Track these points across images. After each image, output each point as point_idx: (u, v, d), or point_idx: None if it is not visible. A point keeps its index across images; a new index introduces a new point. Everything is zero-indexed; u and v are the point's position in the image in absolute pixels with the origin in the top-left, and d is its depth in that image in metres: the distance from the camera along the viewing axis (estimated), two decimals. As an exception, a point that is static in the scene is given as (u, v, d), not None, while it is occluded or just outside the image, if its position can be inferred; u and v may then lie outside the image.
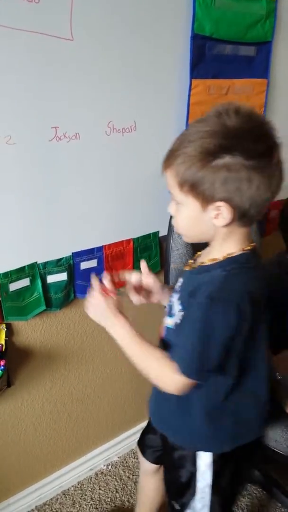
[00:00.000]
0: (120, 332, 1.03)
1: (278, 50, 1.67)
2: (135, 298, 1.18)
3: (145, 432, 1.42)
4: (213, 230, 0.94)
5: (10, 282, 1.31)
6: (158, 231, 1.60)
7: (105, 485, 1.82)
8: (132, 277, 1.17)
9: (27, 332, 1.45)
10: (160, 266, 1.66)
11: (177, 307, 1.03)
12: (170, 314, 1.07)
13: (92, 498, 1.77)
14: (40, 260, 1.35)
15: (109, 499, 1.76)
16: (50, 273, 1.38)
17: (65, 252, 1.40)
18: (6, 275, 1.29)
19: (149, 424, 1.40)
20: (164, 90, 1.44)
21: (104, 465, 1.90)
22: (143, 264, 1.19)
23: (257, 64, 1.62)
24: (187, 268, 1.05)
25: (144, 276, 1.18)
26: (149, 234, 1.58)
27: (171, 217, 1.07)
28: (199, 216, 0.92)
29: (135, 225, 1.54)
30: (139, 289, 1.18)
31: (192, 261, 1.07)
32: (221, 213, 0.89)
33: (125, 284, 1.17)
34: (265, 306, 0.98)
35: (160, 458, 1.36)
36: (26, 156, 1.21)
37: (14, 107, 1.15)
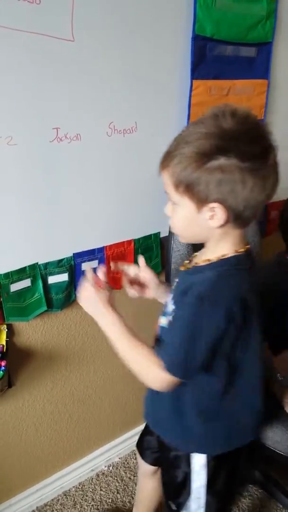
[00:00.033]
0: (110, 325, 1.04)
1: (278, 51, 1.67)
2: (131, 291, 1.19)
3: (143, 434, 1.42)
4: (208, 231, 0.94)
5: (11, 283, 1.31)
6: (159, 232, 1.60)
7: (106, 486, 1.82)
8: (130, 269, 1.19)
9: (28, 332, 1.45)
10: (161, 267, 1.66)
11: (170, 307, 1.04)
12: (164, 313, 1.08)
13: (93, 499, 1.77)
14: (41, 260, 1.35)
15: (110, 500, 1.76)
16: (51, 273, 1.38)
17: (66, 252, 1.40)
18: (7, 275, 1.29)
19: (147, 426, 1.40)
20: (165, 91, 1.44)
21: (105, 466, 1.90)
22: (141, 259, 1.20)
23: (258, 65, 1.62)
24: (182, 268, 1.06)
25: (142, 270, 1.19)
26: (150, 235, 1.58)
27: (171, 217, 1.08)
28: (194, 217, 0.92)
29: (136, 226, 1.54)
30: (135, 282, 1.20)
31: (187, 261, 1.08)
32: (216, 214, 0.89)
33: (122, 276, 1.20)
34: (259, 309, 0.98)
35: (158, 460, 1.36)
36: (27, 157, 1.21)
37: (16, 108, 1.15)
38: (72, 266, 1.42)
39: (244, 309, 0.91)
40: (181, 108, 1.48)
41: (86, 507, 1.74)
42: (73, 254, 1.41)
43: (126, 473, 1.87)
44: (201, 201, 0.89)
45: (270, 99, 1.72)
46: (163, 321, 1.07)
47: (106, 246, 1.48)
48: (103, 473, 1.88)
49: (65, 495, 1.78)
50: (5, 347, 1.34)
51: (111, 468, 1.90)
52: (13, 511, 1.66)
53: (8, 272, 1.29)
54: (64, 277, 1.41)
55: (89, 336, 1.61)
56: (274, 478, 1.76)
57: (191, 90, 1.47)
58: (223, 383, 1.01)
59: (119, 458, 1.93)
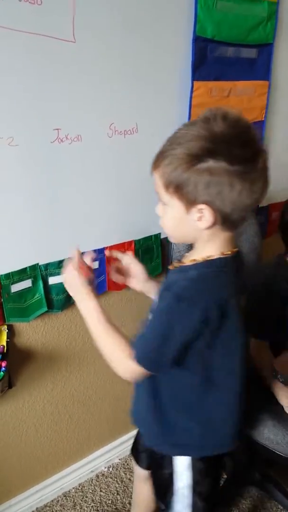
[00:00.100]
0: (89, 309, 1.06)
1: (279, 52, 1.67)
2: (115, 275, 1.22)
3: (137, 438, 1.42)
4: (196, 232, 0.95)
5: (12, 284, 1.31)
6: (159, 233, 1.60)
7: (106, 487, 1.82)
8: (124, 258, 1.21)
9: (29, 333, 1.45)
10: (161, 268, 1.66)
11: (155, 304, 1.05)
12: (151, 310, 1.09)
13: (93, 500, 1.77)
14: (42, 261, 1.35)
15: (110, 501, 1.76)
16: (52, 274, 1.38)
17: (67, 253, 1.38)
18: (8, 276, 1.29)
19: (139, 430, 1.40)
20: (165, 92, 1.44)
21: (105, 467, 1.90)
22: (129, 254, 1.23)
23: (259, 66, 1.63)
24: (170, 267, 1.07)
25: (133, 262, 1.21)
26: (150, 236, 1.58)
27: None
28: (183, 218, 0.93)
29: (136, 227, 1.54)
30: (122, 271, 1.23)
31: (177, 261, 1.08)
32: (204, 215, 0.90)
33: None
34: (240, 313, 1.00)
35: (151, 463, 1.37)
36: (28, 158, 1.21)
37: (17, 109, 1.15)
38: (73, 267, 1.42)
39: (222, 312, 0.92)
40: (181, 109, 1.48)
41: (86, 508, 1.73)
42: (74, 255, 1.41)
43: (126, 474, 1.87)
44: (189, 202, 0.90)
45: (271, 100, 1.73)
46: (150, 317, 1.08)
47: (107, 247, 1.48)
48: (103, 474, 1.87)
49: (65, 496, 1.78)
50: (5, 348, 1.34)
51: (111, 469, 1.90)
52: (12, 511, 1.67)
53: (9, 273, 1.30)
54: (64, 278, 1.41)
55: (89, 337, 1.59)
56: (274, 479, 1.75)
57: (191, 91, 1.47)
58: (199, 381, 1.03)
59: (119, 459, 1.93)
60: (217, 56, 1.49)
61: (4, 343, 1.34)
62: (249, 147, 0.88)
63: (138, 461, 1.40)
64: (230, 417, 1.10)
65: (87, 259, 1.10)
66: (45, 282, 1.38)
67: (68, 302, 1.46)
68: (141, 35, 1.32)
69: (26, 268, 1.33)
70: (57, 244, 1.37)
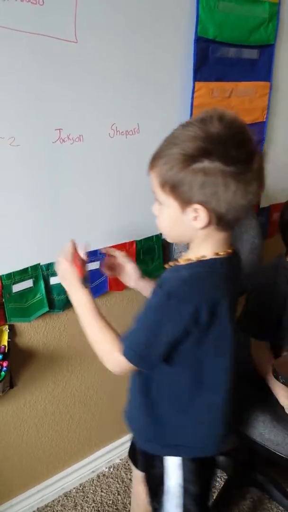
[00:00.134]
0: (81, 301, 1.07)
1: (280, 53, 1.68)
2: (107, 271, 1.25)
3: (134, 441, 1.42)
4: (192, 232, 0.96)
5: (13, 283, 1.31)
6: (161, 234, 1.60)
7: (107, 488, 1.82)
8: (118, 256, 1.24)
9: (30, 333, 1.45)
10: (163, 269, 1.66)
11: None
12: None
13: (94, 500, 1.77)
14: (43, 261, 1.35)
15: (111, 502, 1.76)
16: (53, 274, 1.38)
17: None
18: (9, 276, 1.30)
19: None
20: (167, 93, 1.44)
21: (106, 467, 1.90)
22: (123, 253, 1.26)
23: (260, 67, 1.63)
24: (166, 266, 1.07)
25: (126, 261, 1.24)
26: (152, 237, 1.58)
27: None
28: (179, 217, 0.94)
29: (138, 227, 1.54)
30: (114, 267, 1.26)
31: (174, 260, 1.09)
32: (199, 215, 0.91)
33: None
34: (233, 315, 1.01)
35: None
36: (29, 158, 1.22)
37: (18, 109, 1.16)
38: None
39: (212, 312, 0.93)
40: (183, 110, 1.48)
41: (86, 508, 1.73)
42: (75, 255, 1.41)
43: (127, 474, 1.87)
44: (185, 201, 0.91)
45: (272, 101, 1.73)
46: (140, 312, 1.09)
47: (108, 247, 1.48)
48: (104, 475, 1.88)
49: (65, 496, 1.78)
50: (6, 348, 1.34)
51: (112, 469, 1.90)
52: (13, 511, 1.66)
53: (10, 273, 1.30)
54: (66, 278, 1.41)
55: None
56: (275, 480, 1.75)
57: (193, 92, 1.48)
58: (189, 380, 1.04)
59: (120, 460, 1.93)
60: (218, 57, 1.49)
61: (6, 343, 1.34)
62: (244, 148, 0.88)
63: (135, 463, 1.40)
64: (220, 417, 1.11)
65: (82, 253, 1.11)
66: (47, 282, 1.38)
67: (69, 302, 1.45)
68: (142, 35, 1.32)
69: (27, 268, 1.33)
70: (59, 244, 1.35)
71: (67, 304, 1.46)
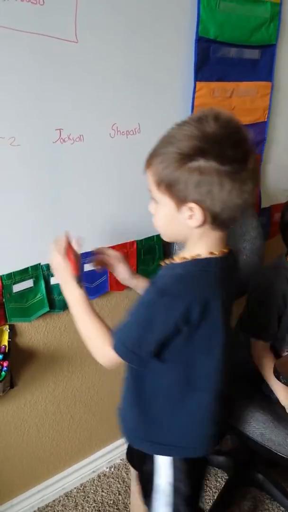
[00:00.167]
0: (73, 293, 1.07)
1: (282, 53, 1.68)
2: (97, 266, 1.26)
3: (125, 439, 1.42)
4: (187, 230, 0.96)
5: (14, 283, 1.31)
6: (161, 233, 1.60)
7: (108, 488, 1.82)
8: (112, 256, 1.25)
9: (30, 333, 1.45)
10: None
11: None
12: None
13: (94, 500, 1.77)
14: (44, 261, 1.35)
15: (111, 502, 1.76)
16: (54, 274, 1.38)
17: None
18: (10, 276, 1.30)
19: None
20: (168, 93, 1.44)
21: (107, 468, 1.90)
22: (115, 253, 1.27)
23: (261, 67, 1.63)
24: (162, 264, 1.08)
25: (117, 258, 1.25)
26: (152, 236, 1.58)
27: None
28: (174, 216, 0.94)
29: (138, 227, 1.54)
30: (104, 262, 1.26)
31: (169, 258, 1.09)
32: (194, 214, 0.91)
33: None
34: (226, 315, 1.01)
35: None
36: (30, 158, 1.22)
37: (18, 109, 1.16)
38: (75, 267, 1.43)
39: (203, 311, 0.93)
40: (184, 110, 1.48)
41: (87, 508, 1.73)
42: (75, 254, 1.41)
43: (127, 474, 1.87)
44: (180, 200, 0.91)
45: (274, 101, 1.73)
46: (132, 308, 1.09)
47: (108, 247, 1.48)
48: (104, 475, 1.88)
49: (66, 496, 1.78)
50: (7, 348, 1.34)
51: (112, 469, 1.90)
52: (14, 511, 1.66)
53: (11, 273, 1.30)
54: (66, 278, 1.41)
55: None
56: (276, 480, 1.75)
57: (194, 92, 1.48)
58: (180, 379, 1.04)
59: (121, 460, 1.93)
60: (219, 57, 1.49)
61: (6, 343, 1.34)
62: (239, 147, 0.89)
63: (133, 464, 1.40)
64: (210, 417, 1.11)
65: (76, 245, 1.11)
66: (47, 282, 1.38)
67: (70, 302, 1.46)
68: (143, 35, 1.32)
69: (28, 268, 1.33)
70: (59, 244, 1.37)
71: (67, 304, 1.46)
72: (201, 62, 1.45)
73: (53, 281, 1.39)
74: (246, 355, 1.52)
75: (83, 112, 1.27)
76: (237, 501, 1.76)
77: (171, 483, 1.13)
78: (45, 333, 1.49)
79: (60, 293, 1.41)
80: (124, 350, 0.97)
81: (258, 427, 1.41)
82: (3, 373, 1.30)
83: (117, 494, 1.79)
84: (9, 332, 1.36)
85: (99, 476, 1.87)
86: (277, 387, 1.43)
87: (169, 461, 1.12)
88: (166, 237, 1.06)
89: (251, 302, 1.52)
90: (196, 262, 0.97)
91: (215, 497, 1.76)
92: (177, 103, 1.47)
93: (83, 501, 1.76)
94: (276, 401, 1.44)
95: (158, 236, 1.59)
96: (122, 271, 1.25)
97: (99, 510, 1.73)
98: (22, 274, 1.32)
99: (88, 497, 1.78)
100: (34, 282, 1.36)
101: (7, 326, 1.36)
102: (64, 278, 1.09)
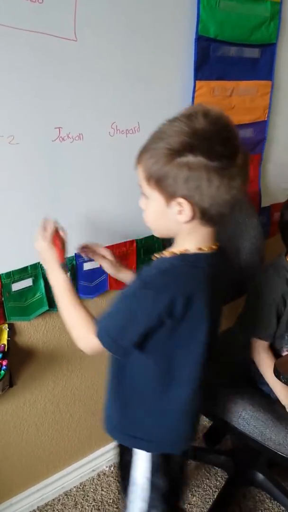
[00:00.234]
0: (58, 280, 1.10)
1: (282, 52, 1.67)
2: (83, 254, 1.30)
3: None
4: (177, 226, 0.97)
5: (13, 282, 1.31)
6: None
7: (108, 486, 1.82)
8: (101, 250, 1.28)
9: (30, 332, 1.45)
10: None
11: None
12: None
13: (94, 499, 1.77)
14: (43, 260, 1.35)
15: (111, 500, 1.76)
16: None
17: (68, 252, 1.40)
18: (9, 275, 1.30)
19: None
20: (167, 92, 1.44)
21: (107, 466, 1.90)
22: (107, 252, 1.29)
23: (262, 66, 1.63)
24: (153, 258, 1.08)
25: (104, 253, 1.28)
26: (152, 235, 1.58)
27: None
28: (164, 211, 0.95)
29: (138, 226, 1.53)
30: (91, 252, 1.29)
31: (159, 253, 1.09)
32: (183, 209, 0.92)
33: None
34: (211, 312, 1.00)
35: None
36: (29, 156, 1.21)
37: (18, 107, 1.15)
38: (74, 266, 1.43)
39: (186, 305, 0.93)
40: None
41: (87, 507, 1.73)
42: (75, 254, 1.41)
43: (127, 473, 1.87)
44: (169, 195, 0.92)
45: (274, 100, 1.73)
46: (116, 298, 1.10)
47: (108, 246, 1.48)
48: (104, 473, 1.87)
49: (66, 495, 1.78)
50: (6, 347, 1.34)
51: (112, 468, 1.90)
52: (14, 510, 1.66)
53: (10, 272, 1.30)
54: (66, 277, 1.41)
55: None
56: (276, 480, 1.75)
57: (194, 91, 1.47)
58: (160, 373, 1.05)
59: (121, 459, 1.93)
60: (219, 56, 1.49)
61: (5, 342, 1.34)
62: (228, 144, 0.89)
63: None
64: (186, 415, 1.12)
65: (62, 233, 1.13)
66: (46, 281, 1.38)
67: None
68: (143, 34, 1.32)
69: (27, 267, 1.33)
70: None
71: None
72: (201, 61, 1.45)
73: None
74: (246, 355, 1.51)
75: (83, 110, 1.27)
76: (238, 501, 1.76)
77: (148, 478, 1.13)
78: (45, 332, 1.49)
79: (59, 292, 1.41)
80: (107, 340, 0.98)
81: (258, 426, 1.41)
82: (2, 372, 1.30)
83: (116, 493, 1.79)
84: (8, 331, 1.36)
85: (98, 475, 1.86)
86: (277, 386, 1.43)
87: (147, 456, 1.12)
88: (156, 233, 1.06)
89: (250, 301, 1.51)
90: (183, 257, 0.98)
91: (215, 497, 1.76)
92: (177, 102, 1.46)
93: (82, 500, 1.76)
94: (276, 400, 1.44)
95: (157, 235, 1.59)
96: (107, 267, 1.28)
97: (99, 509, 1.73)
98: (21, 273, 1.32)
99: (87, 496, 1.78)
100: (33, 281, 1.36)
101: (6, 325, 1.36)
102: (49, 264, 1.11)
